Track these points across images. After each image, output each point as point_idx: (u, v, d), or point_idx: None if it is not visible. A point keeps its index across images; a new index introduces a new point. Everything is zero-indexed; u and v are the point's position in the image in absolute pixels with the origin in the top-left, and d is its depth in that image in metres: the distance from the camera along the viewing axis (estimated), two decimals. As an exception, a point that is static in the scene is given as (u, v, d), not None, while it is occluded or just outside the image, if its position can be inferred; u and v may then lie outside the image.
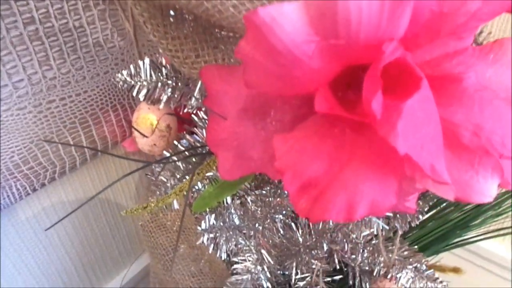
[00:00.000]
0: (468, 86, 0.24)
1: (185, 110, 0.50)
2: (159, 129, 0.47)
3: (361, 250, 0.56)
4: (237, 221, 0.46)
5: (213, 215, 0.41)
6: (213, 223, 0.41)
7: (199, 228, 0.40)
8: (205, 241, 0.41)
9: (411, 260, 0.51)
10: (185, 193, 0.42)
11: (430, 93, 0.22)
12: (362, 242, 0.56)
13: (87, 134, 0.60)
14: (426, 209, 0.48)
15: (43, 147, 0.56)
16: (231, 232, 0.43)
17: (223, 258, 0.42)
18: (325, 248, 0.51)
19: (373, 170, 0.22)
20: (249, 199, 0.49)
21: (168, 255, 0.57)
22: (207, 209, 0.42)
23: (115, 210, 0.75)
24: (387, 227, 0.43)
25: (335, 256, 0.57)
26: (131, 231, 0.80)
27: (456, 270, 0.69)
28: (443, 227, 0.61)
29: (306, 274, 0.57)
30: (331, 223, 0.46)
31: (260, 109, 0.29)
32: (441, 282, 0.56)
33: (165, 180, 0.42)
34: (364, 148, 0.22)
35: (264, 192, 0.50)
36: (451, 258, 0.70)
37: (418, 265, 0.50)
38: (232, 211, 0.45)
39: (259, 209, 0.48)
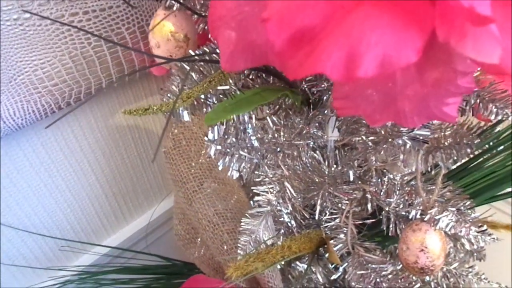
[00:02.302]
0: None
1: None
2: (176, 39, 0.43)
3: (397, 192, 0.50)
4: (255, 143, 0.42)
5: (223, 127, 0.37)
6: (224, 136, 0.37)
7: (206, 138, 0.37)
8: (212, 153, 0.37)
9: (454, 202, 0.44)
10: (194, 102, 0.38)
11: None
12: (399, 182, 0.50)
13: (113, 55, 0.58)
14: (475, 146, 0.41)
15: (67, 64, 0.54)
16: (246, 151, 0.40)
17: (234, 177, 0.39)
18: (352, 177, 0.46)
19: (388, 18, 0.16)
20: (274, 128, 0.44)
21: (189, 183, 0.55)
22: (219, 122, 0.38)
23: (146, 142, 0.74)
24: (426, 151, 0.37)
25: (369, 199, 0.52)
26: (163, 166, 0.80)
27: (510, 227, 0.61)
28: (494, 175, 0.54)
29: (335, 216, 0.53)
30: (359, 148, 0.41)
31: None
32: (489, 234, 0.49)
33: (175, 88, 0.38)
34: (379, -9, 0.17)
35: (291, 121, 0.45)
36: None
37: (462, 208, 0.44)
38: (249, 130, 0.41)
39: (282, 133, 0.44)
